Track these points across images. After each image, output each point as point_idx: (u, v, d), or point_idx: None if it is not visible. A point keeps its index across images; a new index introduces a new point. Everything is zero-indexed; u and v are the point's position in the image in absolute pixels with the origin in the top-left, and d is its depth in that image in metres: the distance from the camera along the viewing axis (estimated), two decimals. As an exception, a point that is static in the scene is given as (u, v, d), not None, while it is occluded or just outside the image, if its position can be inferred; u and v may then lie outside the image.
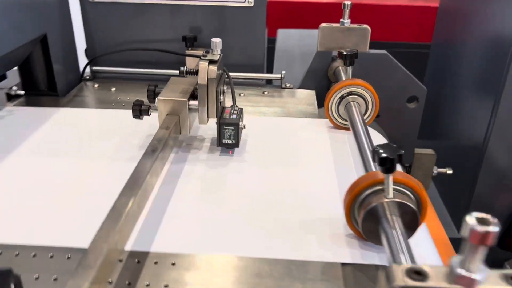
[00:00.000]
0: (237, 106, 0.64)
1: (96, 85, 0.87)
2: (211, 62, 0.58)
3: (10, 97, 0.82)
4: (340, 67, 0.81)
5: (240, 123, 0.61)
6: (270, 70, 1.02)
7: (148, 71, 0.89)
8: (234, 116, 0.61)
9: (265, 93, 0.86)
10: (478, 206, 0.85)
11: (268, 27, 1.90)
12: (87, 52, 0.90)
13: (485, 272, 0.27)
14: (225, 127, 0.60)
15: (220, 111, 0.62)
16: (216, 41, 0.59)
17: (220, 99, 0.60)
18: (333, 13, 1.85)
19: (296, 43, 1.28)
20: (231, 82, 0.68)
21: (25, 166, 0.59)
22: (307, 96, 0.84)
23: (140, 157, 0.50)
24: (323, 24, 0.81)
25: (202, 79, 0.57)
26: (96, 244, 0.37)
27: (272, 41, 1.90)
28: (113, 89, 0.86)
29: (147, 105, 0.61)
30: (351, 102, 0.68)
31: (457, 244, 0.35)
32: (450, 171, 0.80)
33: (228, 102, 0.65)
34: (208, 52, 0.60)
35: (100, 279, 0.35)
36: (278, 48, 1.21)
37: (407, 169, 0.95)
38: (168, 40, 0.88)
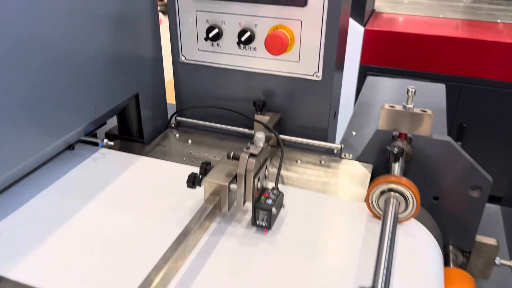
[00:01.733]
0: (277, 190, 0.70)
1: (177, 135, 1.00)
2: (252, 155, 0.65)
3: (109, 137, 0.99)
4: (392, 155, 0.82)
5: (274, 209, 0.67)
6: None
7: (222, 126, 0.99)
8: (270, 201, 0.67)
9: (322, 162, 0.90)
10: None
11: (367, 56, 1.91)
12: (176, 104, 1.04)
13: None
14: (259, 210, 0.67)
15: (260, 192, 0.69)
16: (260, 136, 0.66)
17: (257, 185, 0.67)
18: (436, 46, 1.78)
19: (382, 96, 1.28)
20: (281, 162, 0.74)
21: (83, 213, 0.72)
22: (362, 174, 0.86)
23: (187, 222, 0.60)
24: (385, 106, 0.82)
25: (241, 169, 0.65)
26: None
27: (366, 69, 1.89)
28: (189, 141, 0.98)
29: (199, 178, 0.70)
30: (391, 199, 0.69)
31: None
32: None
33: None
34: (252, 144, 0.67)
35: None
36: (359, 102, 1.23)
37: (466, 256, 0.91)
38: (243, 100, 0.97)
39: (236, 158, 0.69)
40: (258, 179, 0.67)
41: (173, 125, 1.03)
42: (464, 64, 1.79)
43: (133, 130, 0.98)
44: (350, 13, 0.93)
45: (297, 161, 0.90)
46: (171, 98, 1.04)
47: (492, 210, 1.28)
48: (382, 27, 1.91)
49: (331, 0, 0.81)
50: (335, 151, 0.93)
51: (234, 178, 0.68)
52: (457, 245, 0.88)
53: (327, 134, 0.95)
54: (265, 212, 0.66)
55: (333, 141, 0.99)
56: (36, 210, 0.74)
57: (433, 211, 0.86)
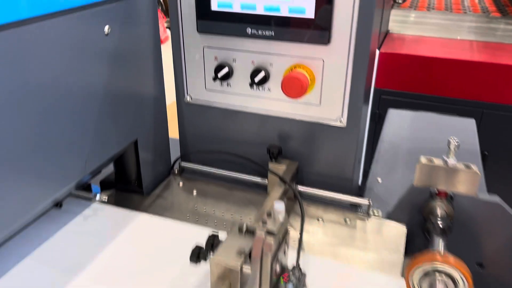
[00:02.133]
0: (299, 270, 0.58)
1: (181, 183, 0.89)
2: (269, 233, 0.53)
3: (103, 185, 0.88)
4: (438, 211, 0.70)
5: (295, 296, 0.55)
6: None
7: (232, 174, 0.88)
8: (291, 286, 0.55)
9: (348, 221, 0.78)
10: None
11: (382, 80, 1.79)
12: (180, 147, 0.93)
13: None
14: (278, 297, 0.55)
15: (279, 273, 0.57)
16: (279, 208, 0.54)
17: (276, 269, 0.55)
18: (455, 70, 1.68)
19: (406, 133, 1.16)
20: (302, 229, 0.63)
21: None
22: (395, 237, 0.74)
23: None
24: (423, 160, 0.70)
25: (256, 251, 0.53)
26: None
27: (380, 93, 1.78)
28: (194, 192, 0.86)
29: (204, 253, 0.59)
30: (436, 282, 0.57)
31: None
32: None
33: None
34: (269, 217, 0.55)
35: None
36: (382, 139, 1.11)
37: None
38: (256, 145, 0.85)
39: (249, 231, 0.57)
40: (277, 259, 0.55)
41: (176, 171, 0.92)
42: (485, 89, 1.68)
43: (131, 177, 0.87)
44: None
45: (318, 219, 0.78)
46: (172, 122, 0.91)
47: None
48: (397, 49, 1.80)
49: (359, 37, 0.70)
50: (361, 207, 0.81)
51: (247, 257, 0.56)
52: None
53: (351, 184, 0.83)
54: (284, 300, 0.54)
55: (357, 188, 0.87)
56: (11, 286, 0.62)
57: (477, 280, 0.73)
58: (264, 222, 0.54)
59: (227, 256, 0.56)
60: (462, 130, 1.16)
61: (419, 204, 0.75)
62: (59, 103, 0.61)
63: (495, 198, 0.70)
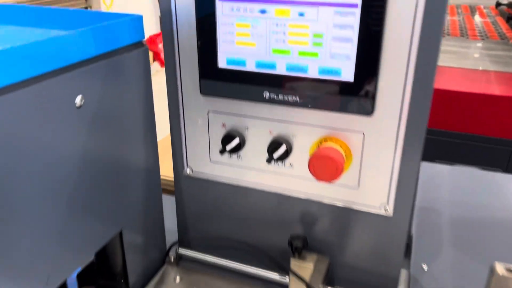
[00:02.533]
0: None
1: (177, 279, 0.71)
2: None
3: (82, 279, 0.70)
4: None
5: None
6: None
7: (243, 267, 0.70)
8: None
9: None
10: None
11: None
12: (178, 230, 0.75)
13: None
14: None
15: None
16: None
17: None
18: (482, 105, 1.53)
19: (447, 195, 0.98)
20: None
21: None
22: None
23: None
24: (498, 269, 0.52)
25: None
26: None
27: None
28: (195, 292, 0.68)
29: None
30: None
31: None
32: None
33: None
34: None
35: None
36: (418, 205, 0.93)
37: None
38: (272, 232, 0.68)
39: None
40: None
41: (172, 259, 0.74)
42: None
43: (116, 270, 0.68)
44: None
45: None
46: (164, 158, 0.72)
47: None
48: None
49: (413, 107, 0.53)
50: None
51: None
52: None
53: (397, 284, 0.65)
54: None
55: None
56: None
57: None
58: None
59: None
60: (506, 188, 0.99)
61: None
62: (13, 194, 0.44)
63: None
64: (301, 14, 0.53)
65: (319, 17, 0.52)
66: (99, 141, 0.54)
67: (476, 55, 1.88)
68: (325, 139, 0.59)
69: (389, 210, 0.59)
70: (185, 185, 0.71)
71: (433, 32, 0.49)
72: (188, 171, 0.70)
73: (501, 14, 2.59)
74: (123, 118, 0.58)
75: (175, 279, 0.71)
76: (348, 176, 0.60)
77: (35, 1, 3.01)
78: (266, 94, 0.59)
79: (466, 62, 1.79)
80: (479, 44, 2.04)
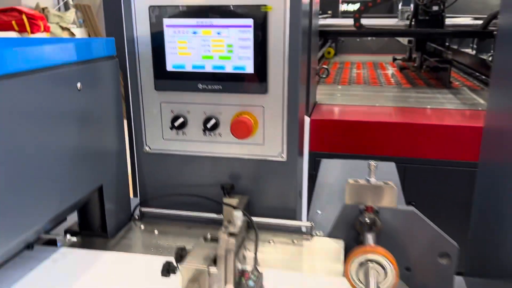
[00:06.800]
0: (257, 271, 0.68)
1: (142, 226, 0.97)
2: (231, 234, 0.64)
3: (69, 234, 0.93)
4: (365, 226, 0.84)
5: (256, 291, 0.64)
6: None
7: (190, 214, 0.97)
8: (252, 283, 0.65)
9: (295, 241, 0.89)
10: None
11: (315, 144, 2.00)
12: (140, 195, 1.02)
13: None
14: (241, 293, 0.64)
15: (240, 275, 0.66)
16: (238, 214, 0.66)
17: (238, 267, 0.65)
18: (376, 131, 1.93)
19: (338, 176, 1.33)
20: (257, 244, 0.73)
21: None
22: (336, 250, 0.86)
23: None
24: (350, 181, 0.86)
25: (221, 250, 0.63)
26: None
27: (315, 155, 1.98)
28: (156, 231, 0.94)
29: (173, 266, 0.67)
30: (369, 270, 0.69)
31: None
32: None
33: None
34: (230, 223, 0.66)
35: None
36: (318, 183, 1.26)
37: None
38: (210, 186, 0.97)
39: (214, 240, 0.67)
40: (238, 260, 0.65)
41: (137, 217, 1.00)
42: (404, 146, 1.94)
43: (95, 225, 0.93)
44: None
45: (269, 242, 0.89)
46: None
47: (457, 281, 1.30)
48: (325, 116, 2.05)
49: (290, 86, 0.88)
50: (305, 229, 0.93)
51: (212, 262, 0.65)
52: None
53: (295, 213, 0.95)
54: (247, 295, 0.64)
55: (300, 218, 0.99)
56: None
57: (407, 282, 0.86)
58: (226, 227, 0.65)
59: (195, 262, 0.65)
60: (384, 171, 1.35)
61: (352, 220, 0.89)
62: (33, 154, 0.69)
63: (411, 208, 0.86)
64: (219, 33, 0.87)
65: (230, 34, 0.87)
66: (89, 122, 0.82)
67: (376, 97, 2.36)
68: (240, 113, 0.91)
69: (284, 156, 0.92)
70: (144, 160, 0.99)
71: (295, 43, 0.85)
72: (147, 148, 0.98)
73: (397, 66, 3.23)
74: (102, 108, 0.87)
75: (140, 227, 0.96)
76: (256, 137, 0.92)
77: None
78: (200, 86, 0.91)
79: (368, 101, 2.25)
80: (379, 89, 2.55)
